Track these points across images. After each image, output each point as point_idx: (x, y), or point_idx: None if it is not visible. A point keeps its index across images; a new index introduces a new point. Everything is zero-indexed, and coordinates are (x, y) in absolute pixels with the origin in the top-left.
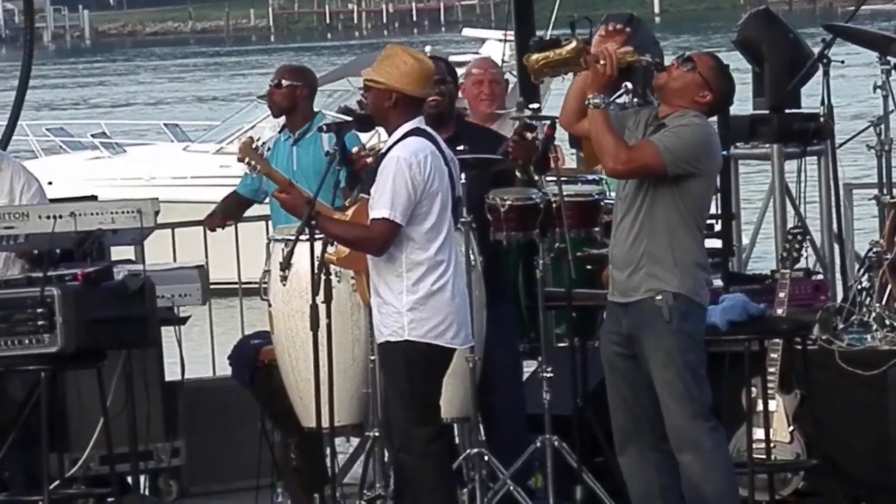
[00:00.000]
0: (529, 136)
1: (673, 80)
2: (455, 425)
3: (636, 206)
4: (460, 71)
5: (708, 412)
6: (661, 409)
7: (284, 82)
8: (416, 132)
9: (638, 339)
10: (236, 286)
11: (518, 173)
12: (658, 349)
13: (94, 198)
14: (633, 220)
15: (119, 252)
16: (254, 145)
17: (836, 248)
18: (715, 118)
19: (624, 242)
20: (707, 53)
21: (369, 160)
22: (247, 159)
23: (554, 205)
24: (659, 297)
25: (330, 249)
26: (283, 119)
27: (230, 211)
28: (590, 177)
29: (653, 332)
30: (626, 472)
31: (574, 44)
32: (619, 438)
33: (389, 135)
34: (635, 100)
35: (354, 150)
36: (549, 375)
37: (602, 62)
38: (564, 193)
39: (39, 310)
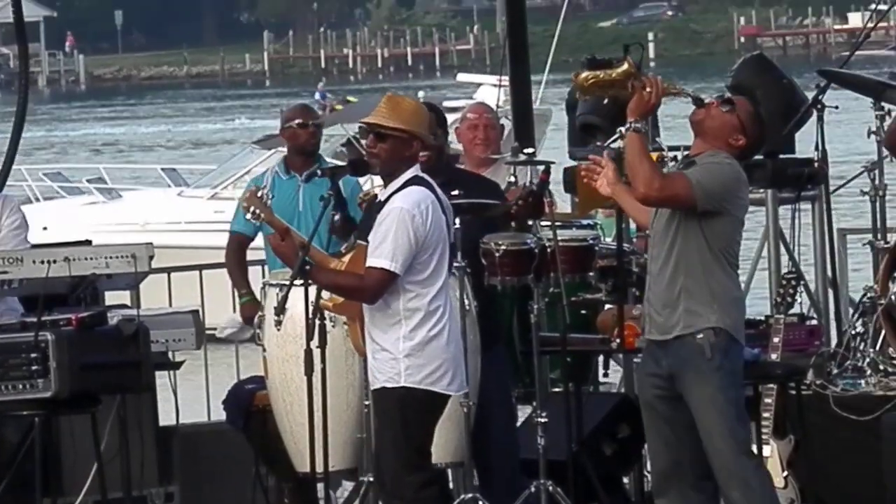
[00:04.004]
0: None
1: (711, 119)
2: (449, 470)
3: (668, 244)
4: (455, 116)
5: (751, 448)
6: (706, 447)
7: (312, 122)
8: (416, 180)
9: (680, 378)
10: (219, 333)
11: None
12: (702, 388)
13: (88, 242)
14: (666, 257)
15: (114, 297)
16: (259, 194)
17: (831, 293)
18: None
19: (660, 281)
20: (745, 99)
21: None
22: (252, 207)
23: (548, 250)
24: (700, 336)
25: (325, 295)
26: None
27: (242, 265)
28: (584, 222)
29: (696, 371)
30: None
31: (626, 66)
32: (658, 481)
33: (388, 182)
34: None
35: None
36: (543, 420)
37: (648, 90)
38: (559, 238)
39: (33, 354)
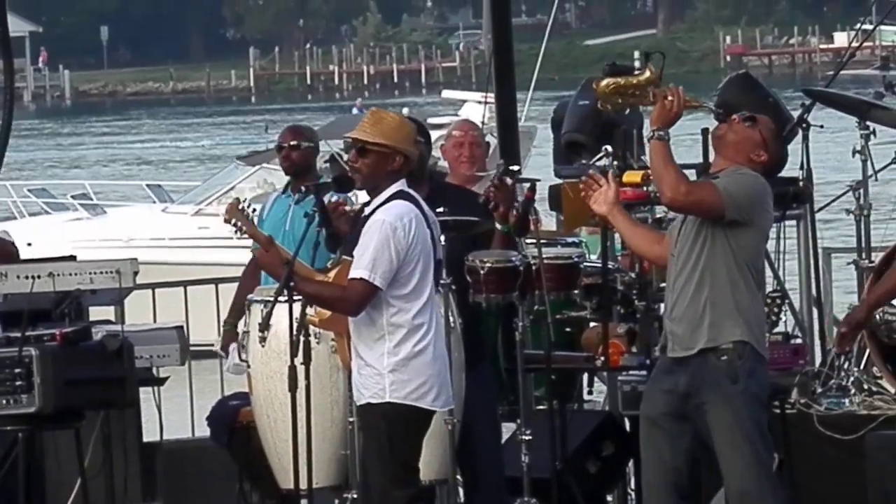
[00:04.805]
0: (509, 181)
1: (733, 133)
2: (434, 487)
3: (694, 258)
4: (441, 132)
5: (772, 472)
6: (723, 467)
7: (303, 144)
8: (400, 195)
9: (697, 397)
10: (215, 347)
11: (498, 225)
12: (724, 410)
13: (72, 258)
14: (691, 272)
15: (98, 312)
16: (240, 206)
17: (815, 312)
18: None
19: (684, 296)
20: (766, 117)
21: (347, 209)
22: (233, 220)
23: (533, 267)
24: (724, 357)
25: (310, 311)
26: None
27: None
28: (569, 239)
29: (718, 392)
30: None
31: (648, 73)
32: (647, 494)
33: (373, 197)
34: (615, 163)
35: (332, 199)
36: (527, 438)
37: (670, 98)
38: (544, 256)
39: (17, 370)
